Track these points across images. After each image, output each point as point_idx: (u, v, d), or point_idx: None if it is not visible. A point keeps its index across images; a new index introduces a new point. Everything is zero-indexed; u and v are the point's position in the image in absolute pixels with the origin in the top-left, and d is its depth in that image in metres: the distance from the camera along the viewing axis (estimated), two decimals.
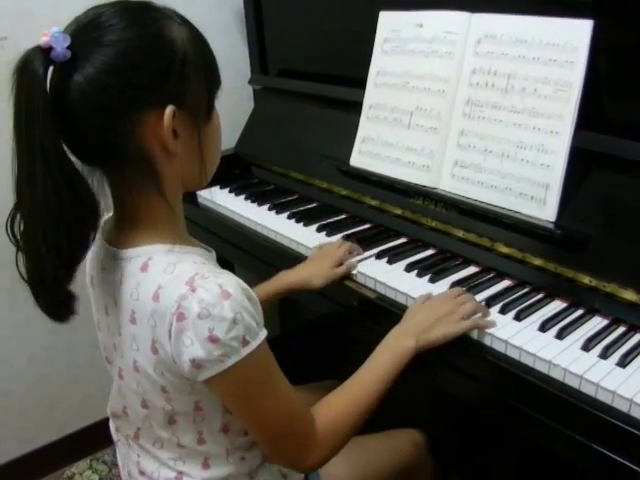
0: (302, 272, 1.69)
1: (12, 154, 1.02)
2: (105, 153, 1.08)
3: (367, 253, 1.75)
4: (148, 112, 1.05)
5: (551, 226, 1.52)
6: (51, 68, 1.02)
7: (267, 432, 1.17)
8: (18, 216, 1.06)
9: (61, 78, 1.02)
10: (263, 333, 1.09)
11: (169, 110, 1.05)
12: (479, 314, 1.41)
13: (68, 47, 1.00)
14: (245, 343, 1.05)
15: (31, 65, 0.99)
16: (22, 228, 1.06)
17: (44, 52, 0.99)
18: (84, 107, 1.03)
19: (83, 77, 1.01)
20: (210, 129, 1.17)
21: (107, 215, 1.21)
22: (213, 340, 1.02)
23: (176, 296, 1.03)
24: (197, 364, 1.04)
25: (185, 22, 1.12)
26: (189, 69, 1.08)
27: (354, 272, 1.67)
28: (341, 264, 1.68)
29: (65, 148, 1.04)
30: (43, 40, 0.99)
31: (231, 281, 1.06)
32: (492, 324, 1.39)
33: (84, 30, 1.04)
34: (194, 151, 1.14)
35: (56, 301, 1.10)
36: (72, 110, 1.02)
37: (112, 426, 1.38)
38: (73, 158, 1.06)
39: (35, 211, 1.02)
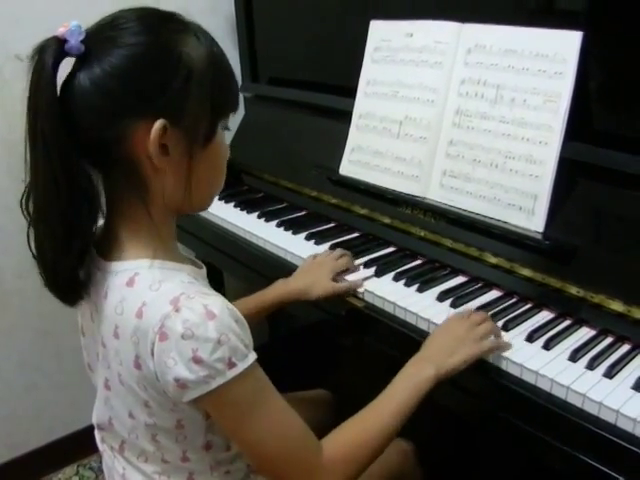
0: (300, 282, 1.66)
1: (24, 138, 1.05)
2: (98, 152, 1.08)
3: (356, 262, 1.75)
4: (139, 121, 1.04)
5: (539, 236, 1.52)
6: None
7: (263, 456, 1.13)
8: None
9: (73, 71, 1.04)
10: (252, 356, 1.06)
11: (158, 123, 1.03)
12: (493, 335, 1.37)
13: (82, 42, 1.02)
14: (231, 365, 1.02)
15: (44, 53, 1.01)
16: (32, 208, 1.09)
17: (60, 43, 1.02)
18: (82, 104, 1.04)
19: (88, 75, 1.02)
20: (207, 156, 1.13)
21: (100, 223, 1.20)
22: (197, 361, 1.00)
23: (159, 315, 1.02)
24: (182, 384, 1.02)
25: (208, 42, 1.10)
26: (193, 87, 1.06)
27: (360, 290, 1.64)
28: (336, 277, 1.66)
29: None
30: (60, 31, 1.01)
31: (217, 302, 1.04)
32: (509, 346, 1.35)
33: (102, 28, 1.07)
34: (182, 173, 1.10)
35: (60, 284, 1.13)
36: (72, 104, 1.04)
37: (97, 437, 1.36)
38: None
39: (38, 195, 1.06)
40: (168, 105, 1.05)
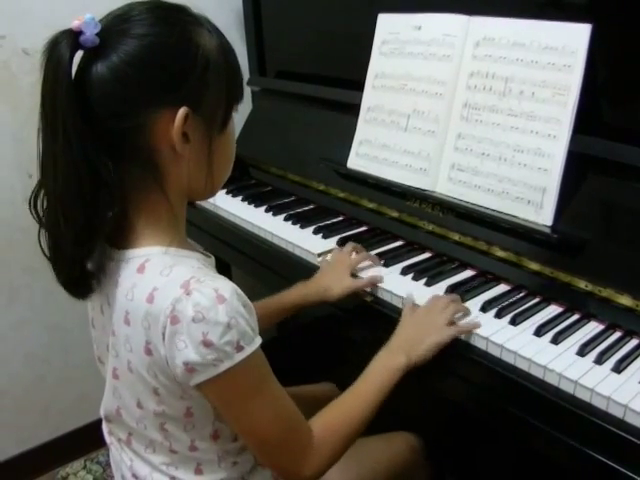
0: (319, 283, 1.65)
1: (37, 132, 1.05)
2: (115, 142, 1.08)
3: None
4: (162, 110, 1.06)
5: (547, 230, 1.51)
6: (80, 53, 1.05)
7: (260, 440, 1.16)
8: (42, 193, 1.10)
9: (87, 63, 1.05)
10: (258, 340, 1.08)
11: (182, 112, 1.06)
12: (460, 314, 1.45)
13: (97, 34, 1.03)
14: (239, 349, 1.04)
15: (59, 46, 1.02)
16: (45, 204, 1.10)
17: (74, 35, 1.02)
18: (101, 94, 1.05)
19: (106, 65, 1.03)
20: (223, 141, 1.17)
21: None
22: (207, 344, 1.01)
23: (171, 299, 1.03)
24: (190, 368, 1.03)
25: (217, 32, 1.14)
26: (210, 76, 1.09)
27: (380, 285, 1.63)
28: (354, 273, 1.66)
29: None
30: (75, 23, 1.02)
31: (227, 286, 1.05)
32: (476, 325, 1.41)
33: (115, 21, 1.08)
34: (203, 159, 1.14)
35: (74, 278, 1.14)
36: (91, 95, 1.05)
37: (105, 429, 1.37)
38: None
39: (56, 189, 1.06)
40: (190, 94, 1.07)
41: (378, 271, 1.67)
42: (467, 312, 1.46)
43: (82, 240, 1.09)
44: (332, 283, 1.62)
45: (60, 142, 1.03)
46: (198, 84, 1.08)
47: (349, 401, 1.29)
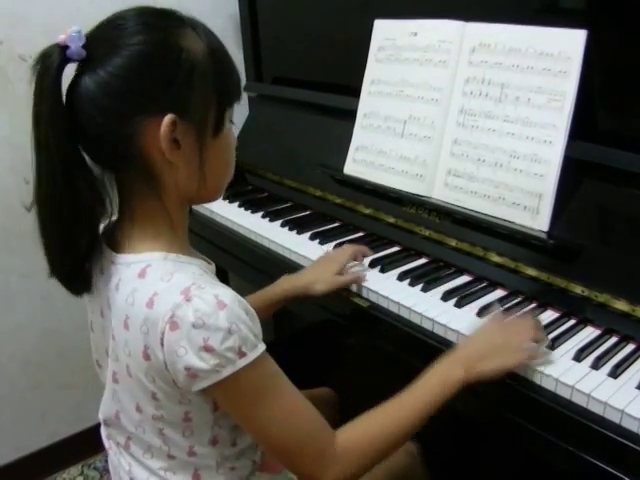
0: (304, 277, 1.66)
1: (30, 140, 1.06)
2: (108, 153, 1.10)
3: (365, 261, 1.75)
4: (148, 118, 1.05)
5: (544, 236, 1.52)
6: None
7: (274, 444, 1.15)
8: None
9: (76, 76, 1.06)
10: (262, 346, 1.07)
11: (167, 118, 1.05)
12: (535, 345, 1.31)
13: (83, 46, 1.04)
14: (241, 355, 1.03)
15: (48, 60, 1.03)
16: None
17: (61, 50, 1.03)
18: (89, 106, 1.05)
19: (93, 77, 1.04)
20: (218, 146, 1.15)
21: (113, 218, 1.21)
22: (208, 350, 1.01)
23: (170, 304, 1.03)
24: (192, 373, 1.03)
25: (206, 33, 1.12)
26: (196, 80, 1.07)
27: (365, 289, 1.63)
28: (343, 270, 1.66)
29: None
30: (60, 38, 1.03)
31: (227, 292, 1.05)
32: (547, 355, 1.32)
33: (101, 31, 1.08)
34: (194, 165, 1.12)
35: (64, 275, 1.17)
36: (79, 107, 1.06)
37: (103, 433, 1.37)
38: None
39: (40, 196, 1.08)
40: (174, 100, 1.06)
41: (363, 270, 1.69)
42: (545, 341, 1.34)
43: (55, 247, 1.12)
44: (317, 279, 1.63)
45: (43, 155, 1.04)
46: (183, 89, 1.07)
47: (390, 412, 1.22)
